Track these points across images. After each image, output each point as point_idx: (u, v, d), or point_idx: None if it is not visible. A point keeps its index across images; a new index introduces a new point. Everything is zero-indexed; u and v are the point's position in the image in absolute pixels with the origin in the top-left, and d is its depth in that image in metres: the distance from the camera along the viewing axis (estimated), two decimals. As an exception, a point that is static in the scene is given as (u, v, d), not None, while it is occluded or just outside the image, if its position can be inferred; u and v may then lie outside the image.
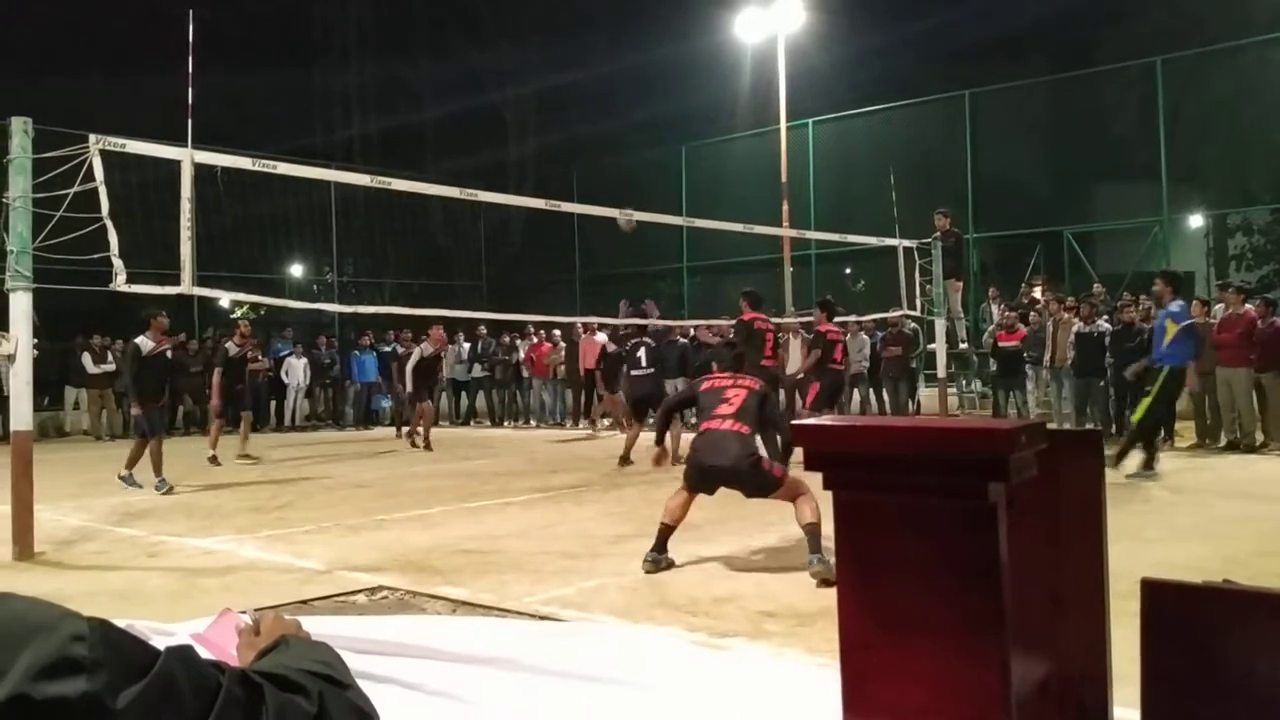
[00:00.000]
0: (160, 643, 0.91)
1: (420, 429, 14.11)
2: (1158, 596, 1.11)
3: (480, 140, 29.66)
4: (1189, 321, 8.64)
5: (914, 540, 1.28)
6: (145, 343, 9.55)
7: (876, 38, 25.87)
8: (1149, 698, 1.09)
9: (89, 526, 7.62)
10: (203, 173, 7.12)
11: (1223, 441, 11.46)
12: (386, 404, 19.31)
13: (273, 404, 18.95)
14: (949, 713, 1.24)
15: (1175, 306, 8.58)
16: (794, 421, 1.33)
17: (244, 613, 1.47)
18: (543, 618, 4.52)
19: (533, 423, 18.12)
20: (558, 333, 17.77)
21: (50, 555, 6.39)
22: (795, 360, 15.19)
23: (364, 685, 1.11)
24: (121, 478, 9.62)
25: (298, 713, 0.99)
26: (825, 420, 1.38)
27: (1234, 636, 1.06)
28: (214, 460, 11.92)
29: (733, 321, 11.36)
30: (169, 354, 10.27)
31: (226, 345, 12.64)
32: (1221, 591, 1.10)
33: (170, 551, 6.57)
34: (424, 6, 31.89)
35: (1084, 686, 1.48)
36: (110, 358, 17.04)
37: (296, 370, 18.61)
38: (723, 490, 5.64)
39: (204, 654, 0.99)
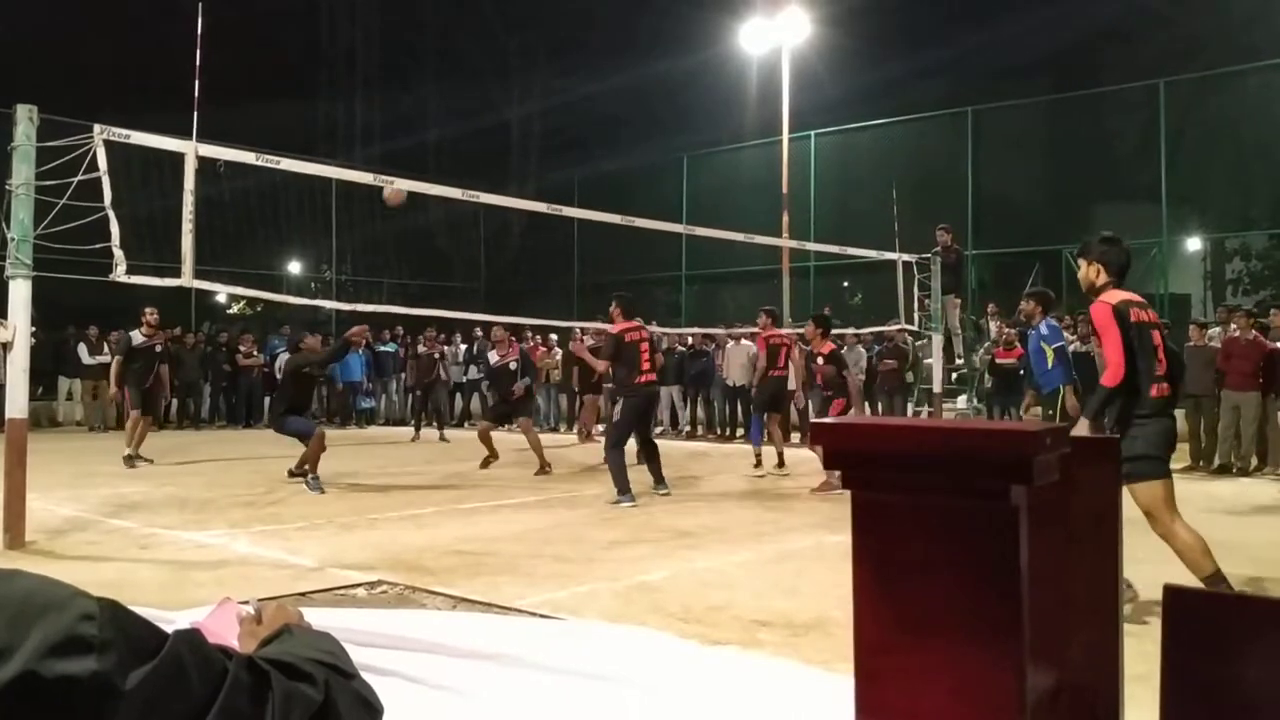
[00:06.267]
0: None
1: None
2: (1181, 603, 1.11)
3: (483, 146, 29.68)
4: (1060, 344, 8.01)
5: (933, 541, 1.27)
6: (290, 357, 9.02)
7: (881, 52, 25.93)
8: (1168, 709, 1.08)
9: (81, 517, 7.59)
10: (205, 167, 7.10)
11: (1215, 464, 11.46)
12: (369, 404, 19.20)
13: (266, 400, 18.87)
14: (963, 716, 1.24)
15: (1045, 328, 7.88)
16: (814, 420, 1.32)
17: (245, 602, 1.45)
18: (543, 617, 4.51)
19: (528, 425, 18.03)
20: (554, 337, 17.74)
21: (41, 544, 6.35)
22: (793, 374, 15.18)
23: (366, 677, 1.11)
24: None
25: (304, 700, 0.98)
26: (849, 419, 1.37)
27: (1262, 647, 1.04)
28: (129, 461, 10.97)
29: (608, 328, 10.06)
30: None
31: (131, 334, 11.67)
32: (1249, 599, 1.09)
33: (162, 544, 6.54)
34: (429, 15, 31.93)
35: (1095, 697, 1.48)
36: (106, 348, 16.99)
37: None
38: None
39: None
